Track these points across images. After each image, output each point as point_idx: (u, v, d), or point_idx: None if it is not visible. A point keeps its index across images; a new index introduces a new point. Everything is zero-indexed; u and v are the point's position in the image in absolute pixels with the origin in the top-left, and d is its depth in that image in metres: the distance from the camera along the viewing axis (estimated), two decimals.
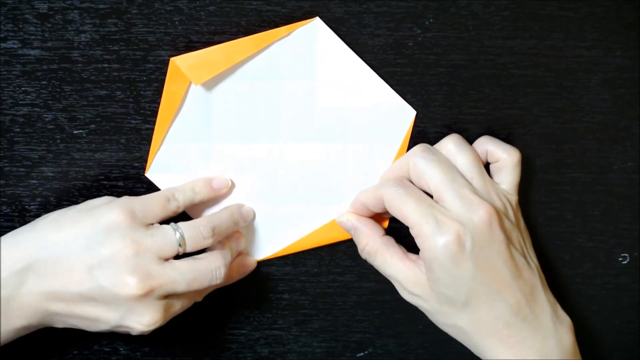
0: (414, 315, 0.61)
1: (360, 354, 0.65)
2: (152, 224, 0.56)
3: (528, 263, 0.56)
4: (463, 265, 0.54)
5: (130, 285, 0.53)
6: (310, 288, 0.64)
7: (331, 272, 0.64)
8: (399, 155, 0.61)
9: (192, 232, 0.56)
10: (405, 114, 0.61)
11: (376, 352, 0.65)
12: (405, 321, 0.64)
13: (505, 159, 0.58)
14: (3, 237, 0.55)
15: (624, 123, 0.62)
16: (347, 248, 0.63)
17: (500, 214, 0.55)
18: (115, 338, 0.63)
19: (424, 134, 0.61)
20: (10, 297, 0.53)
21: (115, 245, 0.53)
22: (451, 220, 0.54)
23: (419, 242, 0.55)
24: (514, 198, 0.58)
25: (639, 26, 0.60)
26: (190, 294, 0.57)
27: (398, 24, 0.59)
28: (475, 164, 0.57)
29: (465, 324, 0.56)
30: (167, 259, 0.55)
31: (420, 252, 0.55)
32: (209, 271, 0.56)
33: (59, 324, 0.55)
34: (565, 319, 0.57)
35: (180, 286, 0.54)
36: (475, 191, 0.55)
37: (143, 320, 0.54)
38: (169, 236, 0.55)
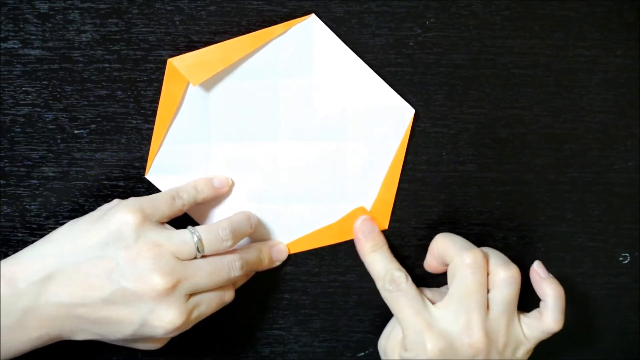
0: None
1: (361, 354, 0.65)
2: (162, 223, 0.56)
3: None
4: None
5: (154, 282, 0.52)
6: (311, 288, 0.64)
7: (332, 271, 0.64)
8: (398, 153, 0.61)
9: (210, 235, 0.55)
10: (403, 113, 0.61)
11: (377, 352, 0.65)
12: None
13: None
14: (21, 251, 0.54)
15: (624, 123, 0.62)
16: (348, 248, 0.63)
17: (487, 354, 0.56)
18: None
19: (424, 133, 0.61)
20: (28, 309, 0.52)
21: (130, 246, 0.53)
22: (440, 331, 0.56)
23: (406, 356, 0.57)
24: (526, 346, 0.58)
25: (639, 26, 0.60)
26: (214, 293, 0.56)
27: (399, 23, 0.59)
28: (512, 304, 0.57)
29: None
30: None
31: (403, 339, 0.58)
32: (225, 264, 0.56)
33: (79, 333, 0.54)
34: None
35: (203, 280, 0.54)
36: (483, 323, 0.56)
37: (166, 318, 0.53)
38: (187, 240, 0.54)
